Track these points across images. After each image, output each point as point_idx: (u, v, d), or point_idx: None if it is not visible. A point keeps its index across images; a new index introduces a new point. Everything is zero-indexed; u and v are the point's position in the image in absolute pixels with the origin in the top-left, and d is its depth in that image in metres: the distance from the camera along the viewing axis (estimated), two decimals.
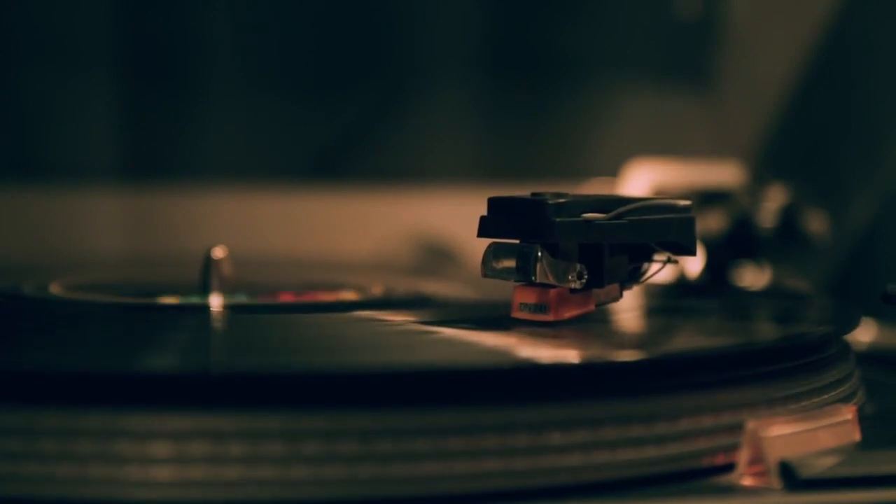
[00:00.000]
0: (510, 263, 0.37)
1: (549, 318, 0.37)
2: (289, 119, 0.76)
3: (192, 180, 0.74)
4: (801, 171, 0.68)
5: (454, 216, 0.63)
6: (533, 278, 0.37)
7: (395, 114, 0.77)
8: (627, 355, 0.36)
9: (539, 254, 0.37)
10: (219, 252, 0.45)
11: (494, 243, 0.38)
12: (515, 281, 0.38)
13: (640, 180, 0.62)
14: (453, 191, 0.75)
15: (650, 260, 0.40)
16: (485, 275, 0.38)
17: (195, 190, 0.74)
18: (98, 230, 0.73)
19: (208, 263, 0.45)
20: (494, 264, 0.38)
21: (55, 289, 0.48)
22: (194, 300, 0.45)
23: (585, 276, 0.38)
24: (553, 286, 0.37)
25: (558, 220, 0.36)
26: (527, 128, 0.78)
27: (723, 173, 0.62)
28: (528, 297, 0.38)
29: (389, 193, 0.76)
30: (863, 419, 0.35)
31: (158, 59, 0.74)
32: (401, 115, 0.77)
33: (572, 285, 0.37)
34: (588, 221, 0.37)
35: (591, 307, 0.39)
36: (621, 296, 0.40)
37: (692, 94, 0.78)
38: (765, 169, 0.67)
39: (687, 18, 0.78)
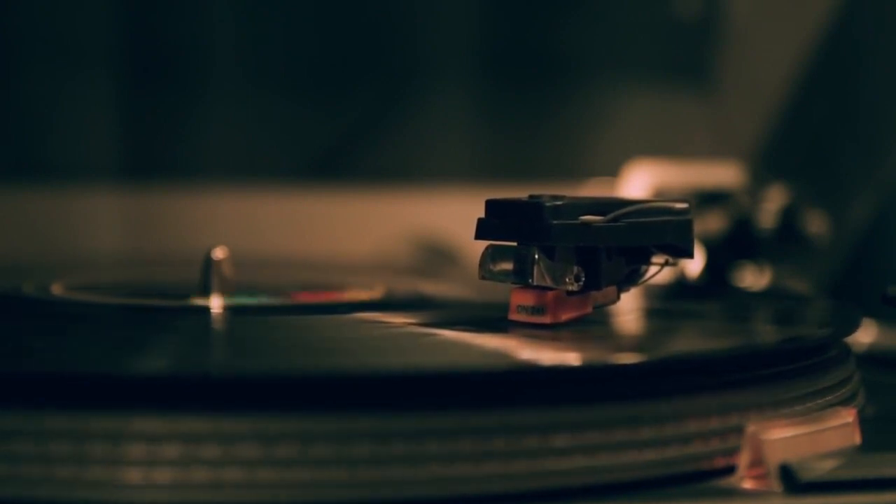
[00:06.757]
0: (507, 266, 0.37)
1: (547, 320, 0.37)
2: (289, 119, 0.76)
3: (192, 180, 0.74)
4: (801, 171, 0.68)
5: (454, 216, 0.62)
6: (530, 281, 0.37)
7: (395, 114, 0.77)
8: (627, 358, 0.36)
9: (536, 256, 0.37)
10: (219, 252, 0.45)
11: (492, 245, 0.38)
12: (513, 283, 0.38)
13: (640, 181, 0.62)
14: (453, 191, 0.75)
15: (648, 262, 0.40)
16: (482, 277, 0.38)
17: (195, 190, 0.74)
18: (98, 230, 0.73)
19: (208, 264, 0.45)
20: (492, 266, 0.38)
21: (55, 289, 0.48)
22: (194, 301, 0.44)
23: (583, 279, 0.38)
24: (550, 288, 0.37)
25: (555, 222, 0.36)
26: (527, 128, 0.78)
27: (723, 174, 0.62)
28: (526, 299, 0.38)
29: (389, 193, 0.76)
30: (863, 422, 0.35)
31: (158, 59, 0.74)
32: (401, 114, 0.77)
33: (569, 288, 0.37)
34: (585, 224, 0.37)
35: (589, 309, 0.38)
36: (619, 298, 0.39)
37: (692, 94, 0.78)
38: (765, 169, 0.67)
39: (687, 18, 0.78)
